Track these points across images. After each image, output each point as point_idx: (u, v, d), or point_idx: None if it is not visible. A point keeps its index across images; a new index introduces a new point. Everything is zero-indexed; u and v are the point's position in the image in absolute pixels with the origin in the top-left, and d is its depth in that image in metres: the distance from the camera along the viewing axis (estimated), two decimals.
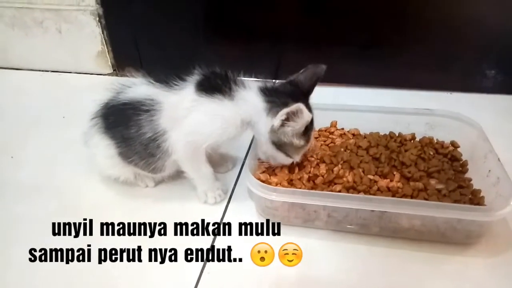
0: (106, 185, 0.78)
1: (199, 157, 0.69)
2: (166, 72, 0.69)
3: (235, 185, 0.78)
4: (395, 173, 0.71)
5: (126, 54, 1.16)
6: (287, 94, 0.66)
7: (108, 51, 1.16)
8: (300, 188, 0.69)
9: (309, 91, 0.68)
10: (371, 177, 0.70)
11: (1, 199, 0.77)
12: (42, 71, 1.22)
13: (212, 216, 0.71)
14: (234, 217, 0.71)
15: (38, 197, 0.77)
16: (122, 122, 0.68)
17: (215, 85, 0.65)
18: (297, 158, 0.69)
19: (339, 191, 0.67)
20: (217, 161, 0.79)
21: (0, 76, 1.22)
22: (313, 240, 0.66)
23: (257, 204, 0.71)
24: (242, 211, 0.72)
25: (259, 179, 0.66)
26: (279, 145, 0.67)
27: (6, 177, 0.82)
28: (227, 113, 0.65)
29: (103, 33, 1.13)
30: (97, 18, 1.11)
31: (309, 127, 0.66)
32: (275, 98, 0.65)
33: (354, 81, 1.07)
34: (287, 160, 0.70)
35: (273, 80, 0.70)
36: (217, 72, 0.68)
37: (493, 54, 1.00)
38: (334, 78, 1.07)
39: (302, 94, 0.67)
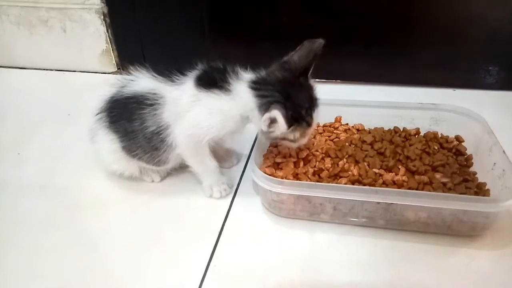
0: (111, 180, 0.79)
1: (202, 150, 0.69)
2: (169, 67, 0.69)
3: (240, 179, 0.79)
4: (400, 167, 0.71)
5: (130, 52, 1.16)
6: (276, 85, 0.63)
7: (112, 50, 1.17)
8: (305, 182, 0.69)
9: (307, 69, 0.64)
10: (376, 170, 0.70)
11: (9, 195, 0.77)
12: (47, 69, 1.23)
13: (218, 210, 0.72)
14: (240, 211, 0.71)
15: (44, 193, 0.77)
16: (125, 116, 0.69)
17: (213, 80, 0.65)
18: (303, 141, 0.68)
19: (345, 184, 0.67)
20: (222, 156, 0.79)
21: (5, 75, 1.23)
22: (319, 233, 0.67)
23: (263, 198, 0.71)
24: (248, 205, 0.73)
25: (264, 173, 0.66)
26: (278, 139, 0.66)
27: (13, 174, 0.82)
28: (225, 107, 0.65)
29: (107, 31, 1.14)
30: (102, 17, 1.12)
31: (303, 114, 0.63)
32: (264, 92, 0.63)
33: (359, 79, 1.07)
34: (293, 145, 0.69)
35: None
36: (215, 66, 0.68)
37: (496, 50, 1.00)
38: (339, 75, 1.08)
39: (296, 77, 0.64)
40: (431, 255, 0.63)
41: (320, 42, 0.64)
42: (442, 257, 0.62)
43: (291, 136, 0.65)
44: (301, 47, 0.65)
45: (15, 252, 0.66)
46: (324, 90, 0.70)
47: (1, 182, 0.80)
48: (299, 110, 0.63)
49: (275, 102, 0.61)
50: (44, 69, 1.23)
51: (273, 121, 0.61)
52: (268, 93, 0.63)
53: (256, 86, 0.64)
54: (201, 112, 0.65)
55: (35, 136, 0.93)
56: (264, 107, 0.62)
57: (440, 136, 0.79)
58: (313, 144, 0.77)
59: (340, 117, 0.84)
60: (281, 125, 0.60)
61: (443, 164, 0.72)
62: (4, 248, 0.67)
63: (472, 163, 0.74)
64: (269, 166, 0.73)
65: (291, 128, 0.62)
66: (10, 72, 1.23)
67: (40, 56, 1.22)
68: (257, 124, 0.66)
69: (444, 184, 0.68)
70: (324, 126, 0.83)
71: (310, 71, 0.65)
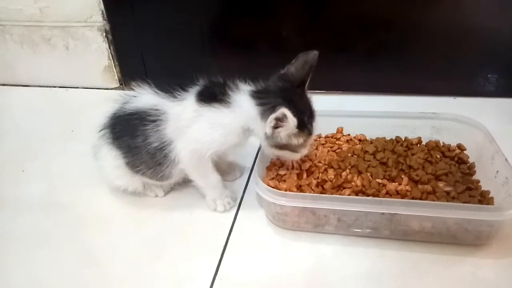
0: (115, 196, 0.79)
1: (205, 165, 0.69)
2: (170, 83, 0.70)
3: (243, 192, 0.79)
4: (403, 176, 0.71)
5: (132, 68, 1.18)
6: (277, 93, 0.64)
7: (114, 66, 1.19)
8: (309, 193, 0.70)
9: (304, 80, 0.65)
10: (379, 181, 0.70)
11: (12, 212, 0.78)
12: (50, 87, 1.24)
13: (222, 223, 0.72)
14: (244, 225, 0.71)
15: (48, 210, 0.77)
16: (128, 132, 0.69)
17: (213, 94, 0.66)
18: (304, 151, 0.68)
19: (348, 195, 0.68)
20: (225, 169, 0.80)
21: (9, 93, 1.24)
22: (324, 245, 0.66)
23: (267, 210, 0.71)
24: (252, 218, 0.73)
25: (268, 185, 0.66)
26: (281, 146, 0.66)
27: (18, 190, 0.83)
28: (226, 120, 0.65)
29: (109, 48, 1.16)
30: (104, 34, 1.14)
31: (306, 121, 0.64)
32: (266, 100, 0.64)
33: (358, 89, 1.08)
34: (295, 156, 0.69)
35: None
36: (215, 81, 0.68)
37: (495, 58, 1.01)
38: (338, 86, 1.09)
39: (295, 87, 0.65)
40: (436, 265, 0.62)
41: (314, 53, 0.65)
42: (448, 266, 0.62)
43: (295, 141, 0.65)
44: (297, 59, 0.66)
45: (18, 269, 0.66)
46: (325, 101, 0.71)
47: (5, 199, 0.81)
48: (302, 116, 0.63)
49: (279, 104, 0.61)
50: (47, 86, 1.24)
51: (280, 120, 0.61)
52: (271, 100, 0.63)
53: (258, 95, 0.65)
54: (203, 127, 0.66)
55: (39, 153, 0.94)
56: (268, 112, 0.62)
57: (442, 144, 0.79)
58: (316, 155, 0.78)
59: (342, 128, 0.85)
60: (291, 121, 0.61)
61: (446, 172, 0.72)
62: (6, 265, 0.67)
63: (475, 171, 0.74)
64: (272, 179, 0.73)
65: (297, 130, 0.63)
66: (13, 90, 1.25)
67: (43, 74, 1.24)
68: (259, 134, 0.66)
69: (448, 193, 0.68)
70: (326, 137, 0.84)
71: (307, 83, 0.66)
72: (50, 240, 0.71)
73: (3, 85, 1.27)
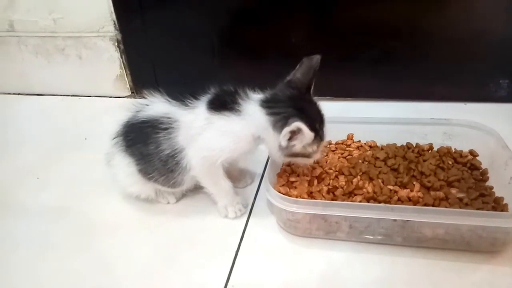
0: (128, 203, 0.80)
1: (216, 172, 0.70)
2: (182, 91, 0.71)
3: (254, 199, 0.79)
4: (414, 183, 0.71)
5: (143, 77, 1.19)
6: (287, 102, 0.65)
7: (126, 75, 1.20)
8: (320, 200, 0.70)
9: (309, 85, 0.66)
10: (391, 187, 0.70)
11: (27, 219, 0.79)
12: (64, 95, 1.26)
13: (234, 230, 0.72)
14: (256, 231, 0.71)
15: (62, 217, 0.78)
16: (141, 140, 0.70)
17: (224, 102, 0.67)
18: (317, 156, 0.69)
19: (360, 202, 0.67)
20: (236, 176, 0.80)
21: (24, 102, 1.27)
22: (335, 252, 0.66)
23: (278, 217, 0.71)
24: (263, 224, 0.73)
25: (279, 192, 0.66)
26: (294, 155, 0.67)
27: (33, 198, 0.84)
28: (236, 128, 0.66)
29: (121, 57, 1.18)
30: (116, 44, 1.16)
31: (317, 128, 0.64)
32: (276, 110, 0.64)
33: (368, 95, 1.08)
34: (308, 161, 0.69)
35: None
36: (226, 89, 0.69)
37: (506, 63, 1.00)
38: (349, 93, 1.09)
39: (303, 93, 0.66)
40: (451, 272, 0.62)
41: (317, 58, 0.66)
42: (462, 274, 0.61)
43: (309, 149, 0.65)
44: (301, 65, 0.67)
45: (30, 275, 0.67)
46: (335, 108, 0.71)
47: (21, 206, 0.82)
48: (313, 123, 0.64)
49: (291, 116, 0.62)
50: (60, 95, 1.27)
51: (295, 133, 0.61)
52: (282, 110, 0.64)
53: (268, 104, 0.65)
54: (214, 134, 0.67)
55: (53, 161, 0.96)
56: (281, 123, 0.63)
57: (454, 151, 0.79)
58: (326, 162, 0.78)
59: (352, 134, 0.85)
60: (307, 134, 0.61)
61: (458, 179, 0.71)
62: (20, 271, 0.68)
63: (488, 178, 0.74)
64: (283, 185, 0.73)
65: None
66: (28, 99, 1.27)
67: (57, 83, 1.26)
68: (269, 143, 0.66)
69: (461, 199, 0.67)
70: (336, 143, 0.84)
71: (312, 87, 0.67)
72: (63, 247, 0.72)
73: (18, 94, 1.30)
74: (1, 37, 1.21)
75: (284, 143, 0.63)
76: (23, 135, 1.09)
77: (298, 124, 0.60)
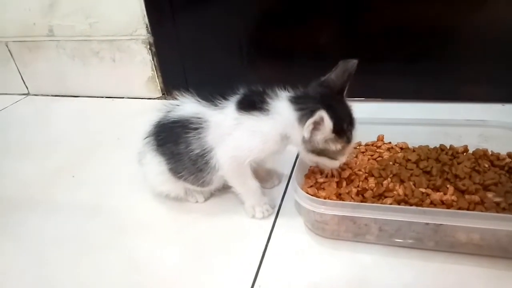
0: (157, 202, 0.82)
1: (244, 172, 0.70)
2: (212, 92, 0.72)
3: (282, 200, 0.79)
4: (448, 186, 0.69)
5: (174, 78, 1.22)
6: (316, 98, 0.65)
7: (157, 76, 1.24)
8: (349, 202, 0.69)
9: (343, 87, 0.66)
10: (423, 190, 0.68)
11: (64, 216, 0.82)
12: (98, 97, 1.32)
13: (261, 230, 0.72)
14: (283, 232, 0.71)
15: (95, 214, 0.81)
16: (172, 139, 0.72)
17: (253, 103, 0.67)
18: (343, 159, 0.68)
19: (390, 204, 0.66)
20: (263, 176, 0.80)
21: (61, 103, 1.33)
22: (364, 255, 0.65)
23: (305, 218, 0.71)
24: (291, 225, 0.72)
25: (307, 193, 0.66)
26: (319, 152, 0.66)
27: (68, 195, 0.88)
28: (265, 128, 0.66)
29: (153, 60, 1.21)
30: (148, 46, 1.19)
31: (345, 128, 0.64)
32: (304, 105, 0.64)
33: (400, 96, 1.06)
34: (333, 163, 0.69)
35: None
36: (255, 89, 0.70)
37: None
38: (381, 93, 1.07)
39: (335, 93, 0.66)
40: (486, 280, 0.59)
41: (354, 62, 0.66)
42: (499, 282, 0.59)
43: (332, 147, 0.65)
44: (337, 67, 0.67)
45: (64, 272, 0.69)
46: (366, 109, 0.70)
47: (57, 203, 0.86)
48: (341, 122, 0.63)
49: (317, 109, 0.61)
50: (95, 97, 1.32)
51: (318, 123, 0.61)
52: (310, 105, 0.64)
53: (297, 100, 0.66)
54: (243, 134, 0.67)
55: (88, 160, 1.00)
56: (306, 116, 0.62)
57: (490, 153, 0.75)
58: (356, 164, 0.76)
59: (383, 136, 0.83)
60: (327, 124, 0.61)
61: (495, 182, 0.68)
62: (53, 267, 0.70)
63: None
64: (311, 186, 0.73)
65: (334, 134, 0.63)
66: (65, 100, 1.34)
67: (91, 85, 1.32)
68: (296, 139, 0.66)
69: (498, 204, 0.64)
70: (366, 145, 0.83)
71: (345, 91, 0.67)
72: (95, 244, 0.74)
73: (56, 95, 1.36)
74: (42, 41, 1.27)
75: (307, 134, 0.63)
76: (60, 134, 1.14)
77: (321, 113, 0.60)
